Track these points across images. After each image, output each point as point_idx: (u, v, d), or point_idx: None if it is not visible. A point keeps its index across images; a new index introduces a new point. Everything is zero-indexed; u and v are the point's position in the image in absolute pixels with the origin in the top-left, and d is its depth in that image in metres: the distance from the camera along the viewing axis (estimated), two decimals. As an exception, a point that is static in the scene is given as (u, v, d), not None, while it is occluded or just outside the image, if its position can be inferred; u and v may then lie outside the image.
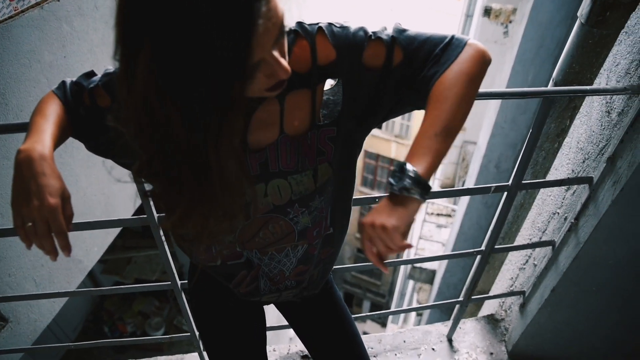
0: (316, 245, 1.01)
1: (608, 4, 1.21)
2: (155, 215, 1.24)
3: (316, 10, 6.44)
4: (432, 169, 0.73)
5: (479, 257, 1.66)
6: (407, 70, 0.81)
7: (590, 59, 1.33)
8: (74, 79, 0.90)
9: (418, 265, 5.36)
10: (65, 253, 0.71)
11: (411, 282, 7.16)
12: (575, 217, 1.51)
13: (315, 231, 0.98)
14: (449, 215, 5.71)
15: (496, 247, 1.61)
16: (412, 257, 5.63)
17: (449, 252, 4.27)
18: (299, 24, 0.83)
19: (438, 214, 5.47)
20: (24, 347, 2.09)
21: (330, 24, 0.83)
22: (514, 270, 2.09)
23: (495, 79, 3.52)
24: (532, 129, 1.23)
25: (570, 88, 1.16)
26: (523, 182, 1.38)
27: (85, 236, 2.54)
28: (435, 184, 6.09)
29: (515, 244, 1.97)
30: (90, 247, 2.62)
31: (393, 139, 14.31)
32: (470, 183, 4.30)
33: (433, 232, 5.68)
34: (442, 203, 5.50)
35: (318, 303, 1.21)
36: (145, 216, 1.24)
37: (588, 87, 1.17)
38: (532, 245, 1.66)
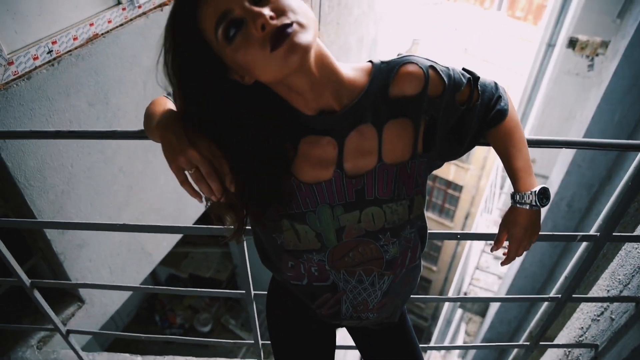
0: (401, 276, 1.02)
1: None
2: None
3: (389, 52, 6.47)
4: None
5: (546, 303, 1.59)
6: (481, 107, 0.91)
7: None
8: None
9: (472, 295, 5.20)
10: (217, 195, 0.80)
11: (459, 311, 6.95)
12: (667, 276, 1.42)
13: (401, 261, 0.99)
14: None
15: (574, 296, 1.54)
16: (466, 287, 5.46)
17: (507, 287, 4.11)
18: (410, 55, 0.87)
19: (497, 245, 5.32)
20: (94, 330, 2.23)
21: (437, 62, 0.88)
22: (585, 320, 1.98)
23: (577, 114, 3.38)
24: (632, 181, 1.17)
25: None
26: (614, 234, 1.32)
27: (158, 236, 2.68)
28: (495, 214, 5.90)
29: (592, 294, 1.88)
30: (160, 242, 2.76)
31: (453, 162, 14.01)
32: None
33: (490, 263, 5.48)
34: (502, 235, 5.34)
35: (391, 330, 1.22)
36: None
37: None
38: (614, 299, 1.58)
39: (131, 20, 2.12)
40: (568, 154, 3.21)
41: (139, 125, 2.25)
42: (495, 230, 1.08)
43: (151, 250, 2.69)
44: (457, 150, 0.94)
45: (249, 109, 0.80)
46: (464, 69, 0.92)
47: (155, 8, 2.23)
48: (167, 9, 2.27)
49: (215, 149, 0.79)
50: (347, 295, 1.03)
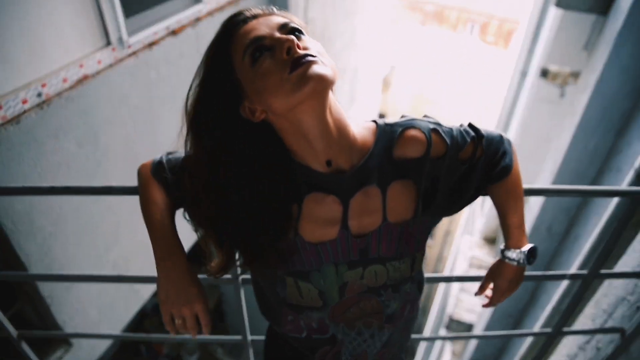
0: (400, 327, 1.04)
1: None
2: (240, 277, 1.31)
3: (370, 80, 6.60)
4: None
5: (528, 339, 1.64)
6: (485, 162, 0.93)
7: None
8: (170, 156, 0.97)
9: (456, 318, 5.24)
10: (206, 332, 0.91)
11: (443, 330, 6.97)
12: (651, 308, 1.49)
13: (400, 314, 1.01)
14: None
15: (564, 330, 1.59)
16: (451, 309, 5.50)
17: (491, 309, 4.17)
18: (413, 119, 0.90)
19: (479, 266, 5.36)
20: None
21: (440, 124, 0.91)
22: (571, 348, 2.04)
23: (553, 140, 3.51)
24: (618, 226, 1.24)
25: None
26: (601, 271, 1.38)
27: (147, 270, 2.64)
28: (477, 236, 6.00)
29: (579, 323, 1.94)
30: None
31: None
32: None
33: (475, 285, 5.56)
34: (484, 257, 5.40)
35: None
36: (230, 277, 1.31)
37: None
38: (601, 331, 1.63)
39: (121, 60, 2.13)
40: (546, 179, 3.32)
41: (127, 165, 2.24)
42: (478, 252, 1.13)
43: (139, 286, 2.65)
44: (459, 204, 0.95)
45: (256, 157, 0.81)
46: (470, 125, 0.94)
47: (144, 48, 2.25)
48: (157, 48, 2.30)
49: (207, 314, 0.91)
50: (346, 347, 1.03)
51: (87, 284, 2.23)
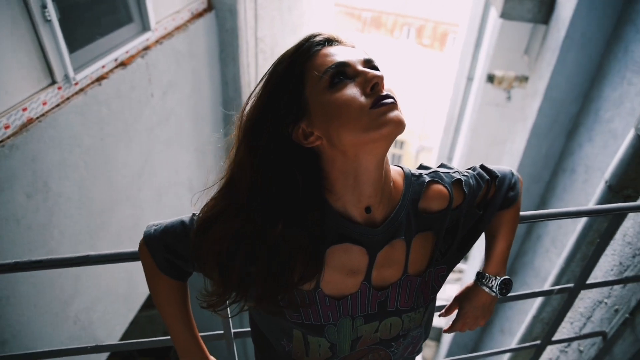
0: None
1: (666, 122, 1.29)
2: (232, 331, 1.23)
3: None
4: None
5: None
6: (498, 198, 0.94)
7: (647, 168, 1.39)
8: (160, 227, 0.88)
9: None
10: None
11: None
12: (630, 312, 1.54)
13: (402, 354, 1.00)
14: (460, 271, 5.73)
15: (553, 339, 1.62)
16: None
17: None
18: (436, 172, 0.89)
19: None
20: None
21: (459, 172, 0.91)
22: (553, 351, 2.09)
23: (507, 147, 3.63)
24: (601, 241, 1.27)
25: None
26: (587, 282, 1.41)
27: (109, 317, 2.47)
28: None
29: (559, 329, 1.99)
30: (113, 327, 2.54)
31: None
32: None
33: (446, 288, 5.68)
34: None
35: None
36: (222, 332, 1.23)
37: (657, 203, 1.22)
38: (584, 337, 1.67)
39: (68, 99, 1.97)
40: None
41: (83, 212, 2.07)
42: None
43: (104, 337, 2.46)
44: (472, 244, 0.95)
45: (292, 185, 0.73)
46: (482, 167, 0.94)
47: (93, 83, 2.10)
48: (106, 82, 2.15)
49: None
50: None
51: (50, 342, 2.04)
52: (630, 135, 1.38)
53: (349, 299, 0.84)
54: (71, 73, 1.95)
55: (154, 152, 2.66)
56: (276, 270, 0.76)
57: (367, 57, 0.74)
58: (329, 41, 0.75)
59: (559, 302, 1.93)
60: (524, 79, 3.88)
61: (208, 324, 1.78)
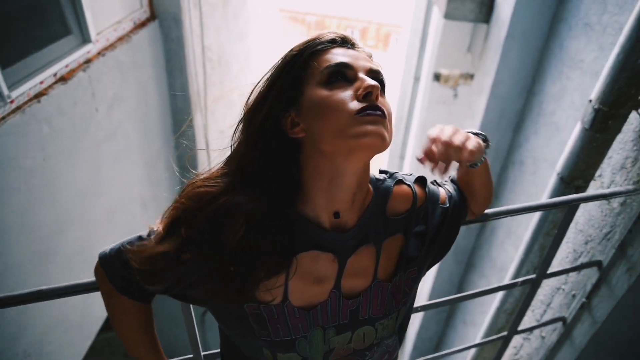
0: None
1: (610, 115, 1.36)
2: (202, 353, 1.18)
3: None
4: None
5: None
6: (461, 198, 0.96)
7: (594, 158, 1.47)
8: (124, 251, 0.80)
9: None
10: None
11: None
12: (587, 296, 1.61)
13: None
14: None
15: (519, 329, 1.67)
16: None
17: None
18: (396, 173, 0.89)
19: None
20: None
21: (418, 176, 0.91)
22: (517, 340, 2.16)
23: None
24: (559, 232, 1.32)
25: (594, 194, 1.27)
26: (548, 272, 1.46)
27: (63, 348, 2.32)
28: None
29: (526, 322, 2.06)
30: (67, 358, 2.39)
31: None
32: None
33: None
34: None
35: None
36: (191, 356, 1.17)
37: (608, 191, 1.29)
38: (546, 324, 1.74)
39: (3, 118, 1.83)
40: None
41: (26, 239, 1.94)
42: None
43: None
44: (446, 244, 0.95)
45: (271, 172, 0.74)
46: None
47: (31, 100, 1.96)
48: (46, 99, 2.02)
49: None
50: None
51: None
52: (577, 129, 1.45)
53: (318, 309, 0.81)
54: (5, 90, 1.82)
55: (101, 170, 2.53)
56: (236, 278, 0.72)
57: (373, 67, 0.74)
58: (344, 42, 0.76)
59: (521, 292, 1.99)
60: (469, 76, 4.02)
61: (176, 347, 1.71)
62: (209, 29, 3.41)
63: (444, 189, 0.95)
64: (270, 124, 0.73)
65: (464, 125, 3.59)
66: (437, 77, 4.22)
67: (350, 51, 0.75)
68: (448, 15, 3.03)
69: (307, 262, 0.78)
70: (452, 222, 0.94)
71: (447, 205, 0.92)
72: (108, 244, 0.83)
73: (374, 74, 0.73)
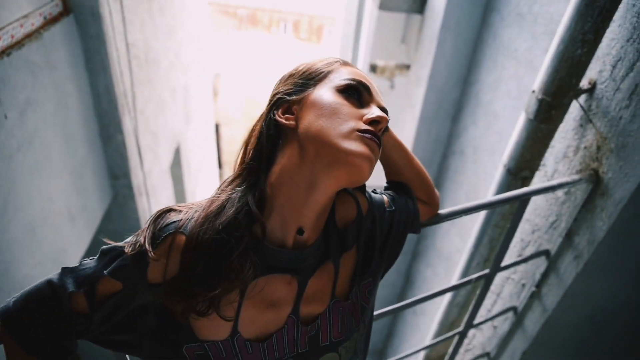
0: None
1: (553, 105, 1.36)
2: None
3: (202, 96, 6.29)
4: None
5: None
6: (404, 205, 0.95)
7: (539, 149, 1.47)
8: (29, 298, 0.67)
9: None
10: None
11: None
12: (537, 285, 1.63)
13: None
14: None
15: (474, 322, 1.67)
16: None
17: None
18: None
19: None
20: None
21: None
22: (470, 330, 2.19)
23: (397, 133, 3.76)
24: (511, 226, 1.31)
25: (543, 186, 1.27)
26: (501, 265, 1.46)
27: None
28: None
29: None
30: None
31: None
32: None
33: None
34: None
35: None
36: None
37: (555, 183, 1.29)
38: (499, 314, 1.75)
39: None
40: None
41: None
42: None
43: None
44: (396, 248, 0.92)
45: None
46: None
47: None
48: None
49: None
50: None
51: None
52: (522, 120, 1.44)
53: (274, 339, 0.72)
54: None
55: (18, 182, 2.26)
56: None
57: (385, 107, 0.77)
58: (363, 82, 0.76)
59: (472, 285, 2.00)
60: (404, 67, 4.04)
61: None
62: (133, 24, 3.16)
63: (385, 194, 0.93)
64: (273, 112, 0.73)
65: (403, 116, 3.61)
66: (373, 68, 4.21)
67: (374, 83, 0.77)
68: (382, 6, 3.01)
69: (261, 285, 0.70)
70: (401, 225, 0.90)
71: (393, 207, 0.89)
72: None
73: (384, 110, 0.75)
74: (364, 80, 0.74)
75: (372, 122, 0.69)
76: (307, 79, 0.74)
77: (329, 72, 0.74)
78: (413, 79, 3.26)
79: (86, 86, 2.87)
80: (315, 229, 0.73)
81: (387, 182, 1.01)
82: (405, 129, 3.40)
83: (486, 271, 1.46)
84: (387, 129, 0.89)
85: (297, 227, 0.71)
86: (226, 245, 0.64)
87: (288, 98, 0.73)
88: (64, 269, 0.68)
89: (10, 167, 2.20)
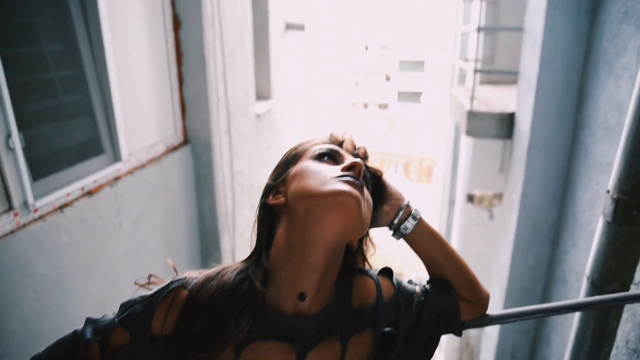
0: None
1: (632, 204, 1.22)
2: None
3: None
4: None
5: None
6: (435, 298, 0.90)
7: (625, 256, 1.29)
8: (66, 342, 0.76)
9: None
10: None
11: None
12: None
13: None
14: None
15: None
16: None
17: None
18: (361, 268, 0.86)
19: None
20: None
21: (382, 268, 0.90)
22: None
23: (494, 262, 3.50)
24: (592, 341, 1.11)
25: (627, 295, 1.09)
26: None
27: None
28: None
29: None
30: None
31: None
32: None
33: None
34: None
35: None
36: None
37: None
38: None
39: (24, 225, 1.91)
40: (497, 301, 3.21)
41: (29, 348, 1.84)
42: None
43: None
44: (428, 345, 0.87)
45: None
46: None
47: (54, 210, 2.06)
48: (69, 210, 2.12)
49: None
50: None
51: None
52: (600, 224, 1.30)
53: None
54: (31, 200, 1.92)
55: (119, 284, 2.51)
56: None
57: (360, 155, 0.84)
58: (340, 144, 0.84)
59: None
60: (502, 197, 3.93)
61: None
62: (240, 155, 3.61)
63: (420, 285, 0.90)
64: (264, 200, 0.79)
65: (499, 245, 3.40)
66: (470, 198, 4.14)
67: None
68: (469, 133, 3.07)
69: (258, 355, 0.69)
70: (432, 320, 0.84)
71: (422, 299, 0.85)
72: None
73: (359, 157, 0.82)
74: (332, 146, 0.80)
75: (349, 168, 0.73)
76: (288, 162, 0.80)
77: (305, 150, 0.80)
78: (506, 204, 3.14)
79: (194, 206, 3.25)
80: (319, 297, 0.72)
81: (428, 280, 0.96)
82: (501, 257, 3.18)
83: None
84: (420, 219, 0.90)
85: (298, 292, 0.71)
86: (225, 306, 0.69)
87: (274, 183, 0.79)
88: (88, 319, 0.76)
89: (116, 269, 2.48)
